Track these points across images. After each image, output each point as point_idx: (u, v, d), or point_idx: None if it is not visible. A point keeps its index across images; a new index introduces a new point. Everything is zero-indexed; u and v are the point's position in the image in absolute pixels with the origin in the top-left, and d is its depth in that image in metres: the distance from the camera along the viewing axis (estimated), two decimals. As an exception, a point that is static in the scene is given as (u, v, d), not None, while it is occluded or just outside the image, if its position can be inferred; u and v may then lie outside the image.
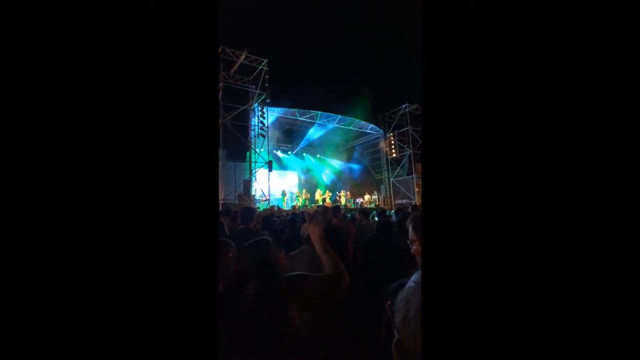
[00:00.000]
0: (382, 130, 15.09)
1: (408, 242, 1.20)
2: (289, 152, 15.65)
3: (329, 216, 3.71)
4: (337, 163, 16.61)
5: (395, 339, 0.51)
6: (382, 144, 15.37)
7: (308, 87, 12.11)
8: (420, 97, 0.68)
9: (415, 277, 0.54)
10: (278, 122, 13.43)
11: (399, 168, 14.62)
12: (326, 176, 16.30)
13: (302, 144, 15.68)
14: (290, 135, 14.99)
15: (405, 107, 13.95)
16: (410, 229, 1.18)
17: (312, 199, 13.07)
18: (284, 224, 3.96)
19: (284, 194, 12.33)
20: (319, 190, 13.77)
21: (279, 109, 12.46)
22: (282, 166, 15.10)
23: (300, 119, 13.53)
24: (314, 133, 15.07)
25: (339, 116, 13.64)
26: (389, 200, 14.71)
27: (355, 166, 16.81)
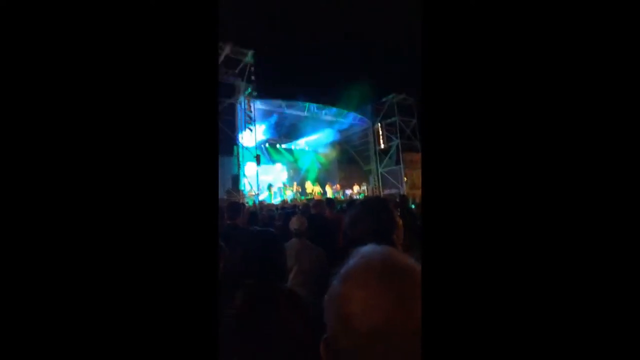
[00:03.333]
0: (370, 121, 15.11)
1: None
2: (277, 145, 15.55)
3: (323, 208, 3.72)
4: (325, 155, 16.60)
5: (325, 336, 0.47)
6: (370, 135, 15.42)
7: (295, 79, 12.02)
8: (421, 92, 0.67)
9: (341, 271, 0.49)
10: (265, 115, 13.31)
11: (387, 158, 14.71)
12: (315, 168, 16.29)
13: (290, 136, 15.60)
14: (278, 128, 14.88)
15: (393, 98, 13.99)
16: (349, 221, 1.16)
17: (303, 192, 13.05)
18: (270, 219, 3.94)
19: (270, 187, 12.23)
20: (308, 183, 13.76)
21: (266, 101, 12.33)
22: (271, 160, 15.02)
23: (288, 111, 13.43)
24: (301, 125, 15.00)
25: (327, 107, 13.59)
26: (377, 191, 14.82)
27: (344, 157, 16.83)
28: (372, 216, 1.20)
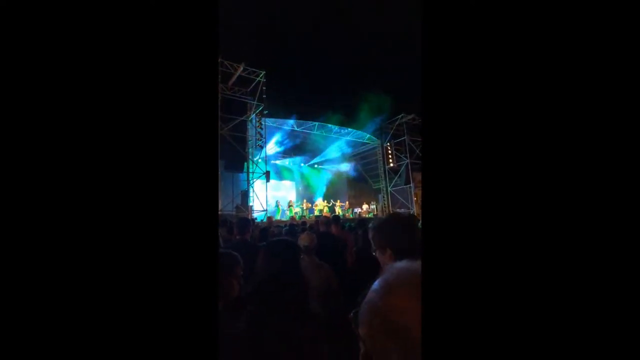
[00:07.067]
0: (379, 140, 15.18)
1: (373, 252, 1.20)
2: (287, 163, 15.67)
3: (329, 225, 3.71)
4: (334, 172, 16.62)
5: (361, 352, 0.49)
6: (380, 154, 15.44)
7: (305, 98, 12.22)
8: (421, 103, 0.67)
9: (374, 286, 0.50)
10: (276, 133, 13.50)
11: (396, 178, 14.67)
12: (324, 186, 16.29)
13: (300, 154, 15.72)
14: (287, 146, 15.04)
15: (402, 117, 14.08)
16: (370, 239, 1.20)
17: (311, 209, 13.02)
18: (279, 235, 3.93)
19: (277, 204, 12.24)
20: (317, 200, 13.74)
21: (277, 119, 12.53)
22: (280, 177, 15.11)
23: (298, 129, 13.60)
24: (311, 143, 15.13)
25: (336, 126, 13.73)
26: (387, 210, 14.69)
27: (353, 176, 16.82)
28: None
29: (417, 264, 0.51)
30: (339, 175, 16.60)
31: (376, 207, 14.57)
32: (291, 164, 15.81)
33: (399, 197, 14.47)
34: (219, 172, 10.17)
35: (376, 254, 1.20)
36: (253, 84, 10.86)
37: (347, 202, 14.47)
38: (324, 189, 16.01)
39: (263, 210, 10.59)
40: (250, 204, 10.50)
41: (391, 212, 13.93)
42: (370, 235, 1.23)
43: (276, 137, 13.75)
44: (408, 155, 14.08)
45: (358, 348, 0.50)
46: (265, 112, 10.94)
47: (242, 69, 10.22)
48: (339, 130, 14.09)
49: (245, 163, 11.00)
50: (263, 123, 11.00)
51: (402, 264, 0.52)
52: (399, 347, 0.44)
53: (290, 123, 13.10)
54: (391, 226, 1.20)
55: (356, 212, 13.80)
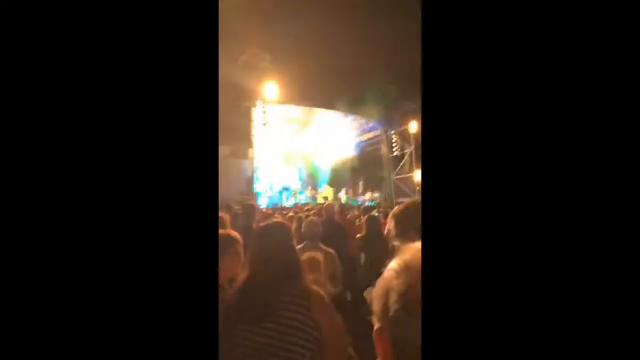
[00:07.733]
0: (383, 128, 15.05)
1: (393, 242, 1.27)
2: (292, 149, 15.63)
3: (333, 212, 3.74)
4: (339, 160, 16.57)
5: (375, 328, 0.51)
6: (384, 142, 15.34)
7: (310, 84, 12.07)
8: (421, 95, 0.67)
9: (392, 264, 0.53)
10: (280, 118, 13.42)
11: (400, 166, 14.60)
12: (328, 173, 16.28)
13: (305, 141, 15.65)
14: (292, 132, 14.97)
15: (407, 106, 13.90)
16: (392, 228, 1.27)
17: (315, 196, 13.06)
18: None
19: (281, 191, 12.32)
20: (321, 188, 13.77)
21: (282, 105, 12.45)
22: (285, 163, 15.10)
23: (303, 115, 13.51)
24: (316, 130, 15.05)
25: (341, 113, 13.61)
26: (390, 198, 14.69)
27: (357, 163, 16.76)
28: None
29: None
30: (343, 162, 16.55)
31: (379, 196, 14.57)
32: (296, 150, 15.76)
33: (403, 186, 14.43)
34: (223, 158, 10.18)
35: (397, 242, 1.27)
36: (259, 69, 10.74)
37: (350, 190, 14.48)
38: (328, 177, 16.00)
39: (267, 197, 10.64)
40: (255, 190, 10.55)
41: (395, 201, 13.94)
42: (391, 225, 1.31)
43: (281, 123, 13.68)
44: (412, 143, 13.97)
45: (366, 326, 0.52)
46: (271, 97, 10.85)
47: (247, 53, 10.10)
48: (344, 117, 13.97)
49: (250, 149, 11.00)
50: (268, 108, 10.94)
51: (418, 245, 0.55)
52: (411, 319, 0.47)
53: (295, 108, 13.01)
54: (410, 212, 1.29)
55: (359, 200, 13.82)
